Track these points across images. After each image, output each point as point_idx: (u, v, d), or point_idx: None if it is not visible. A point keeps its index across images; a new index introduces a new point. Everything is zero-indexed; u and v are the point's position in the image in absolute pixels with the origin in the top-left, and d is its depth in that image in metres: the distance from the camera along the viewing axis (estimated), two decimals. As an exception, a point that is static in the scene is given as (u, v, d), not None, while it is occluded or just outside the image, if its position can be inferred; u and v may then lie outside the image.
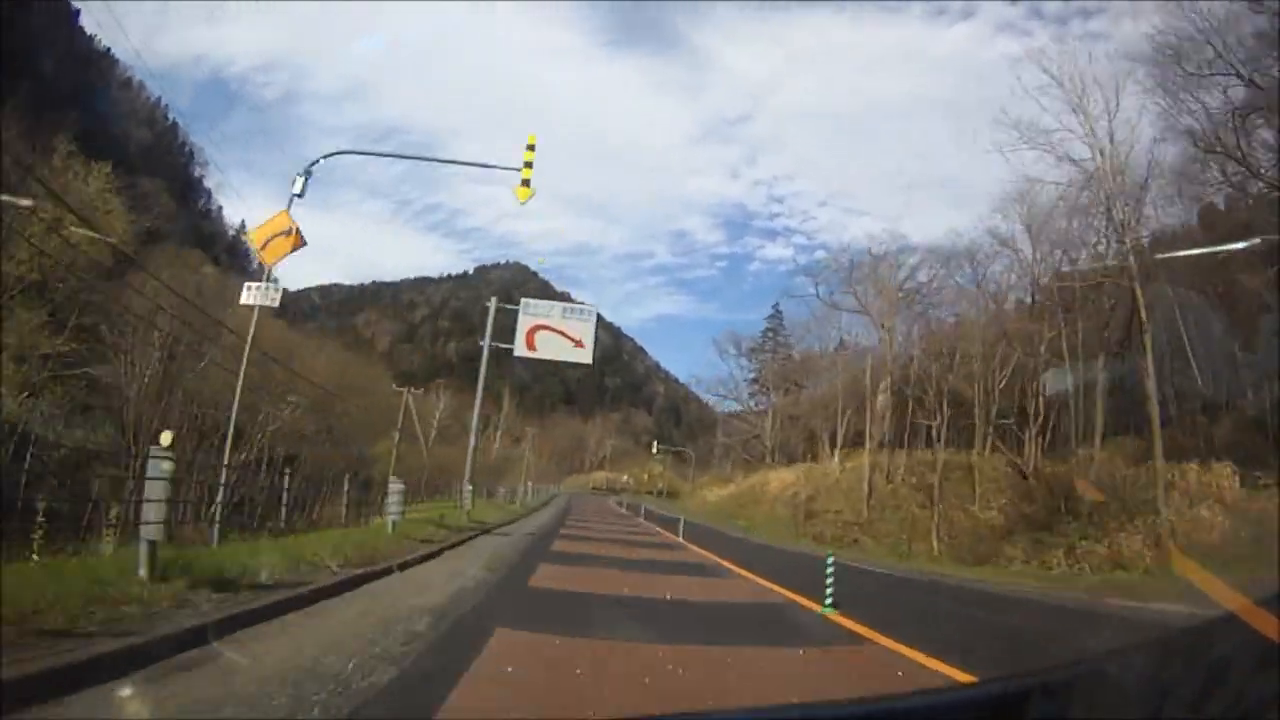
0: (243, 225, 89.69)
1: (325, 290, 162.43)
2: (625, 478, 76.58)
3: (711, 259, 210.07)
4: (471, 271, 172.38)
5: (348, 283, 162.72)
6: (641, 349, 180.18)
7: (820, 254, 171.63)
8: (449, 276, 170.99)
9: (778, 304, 58.83)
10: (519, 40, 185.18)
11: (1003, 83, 44.31)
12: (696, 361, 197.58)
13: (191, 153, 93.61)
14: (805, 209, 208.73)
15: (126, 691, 3.20)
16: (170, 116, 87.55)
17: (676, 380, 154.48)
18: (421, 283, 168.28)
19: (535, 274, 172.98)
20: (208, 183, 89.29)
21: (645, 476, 79.00)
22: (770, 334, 58.59)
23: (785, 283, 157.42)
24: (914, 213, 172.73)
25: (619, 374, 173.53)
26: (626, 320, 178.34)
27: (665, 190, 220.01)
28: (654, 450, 61.83)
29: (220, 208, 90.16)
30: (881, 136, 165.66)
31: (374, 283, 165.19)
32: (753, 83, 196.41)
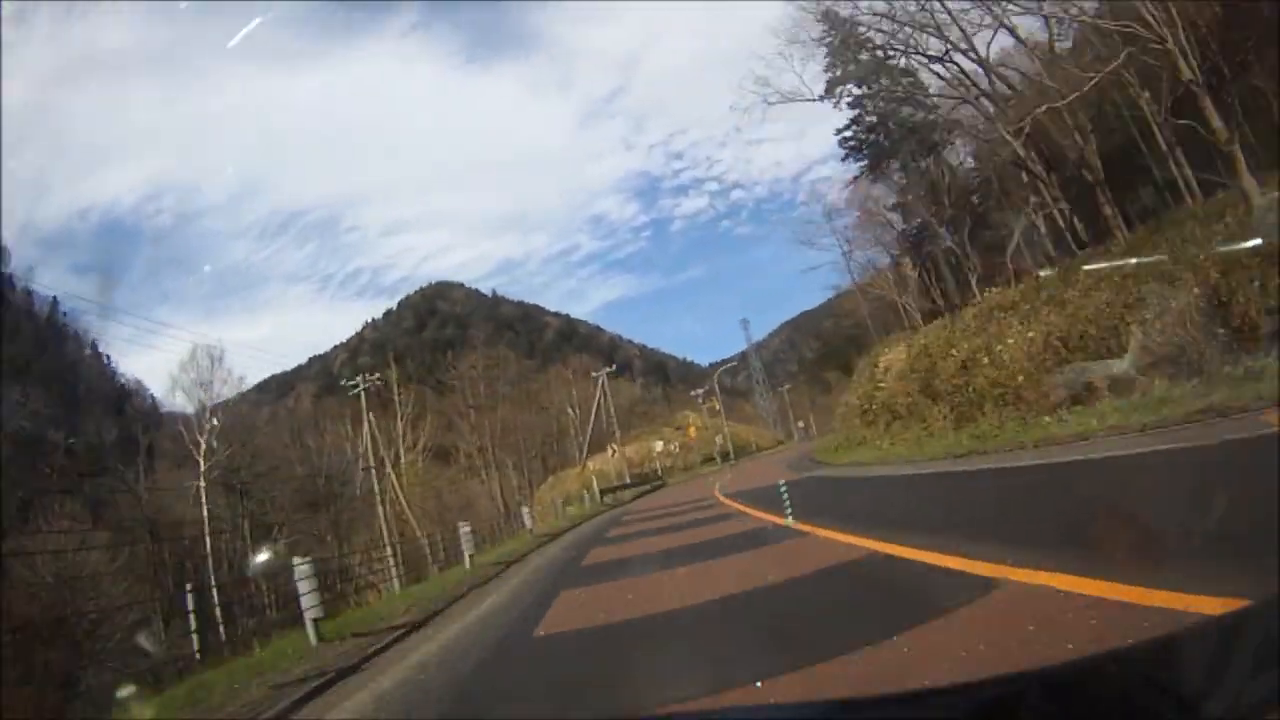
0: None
1: (263, 385, 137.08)
2: (659, 445, 43.50)
3: (634, 232, 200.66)
4: (394, 307, 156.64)
5: (285, 369, 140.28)
6: (598, 327, 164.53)
7: (737, 193, 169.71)
8: (370, 321, 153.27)
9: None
10: (385, 89, 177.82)
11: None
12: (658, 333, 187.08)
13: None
14: (707, 155, 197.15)
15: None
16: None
17: (645, 346, 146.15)
18: (348, 344, 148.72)
19: (460, 284, 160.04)
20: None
21: (691, 431, 46.47)
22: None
23: (712, 232, 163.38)
24: (820, 120, 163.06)
25: (583, 350, 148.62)
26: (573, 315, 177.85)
27: (570, 182, 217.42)
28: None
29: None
30: (760, 59, 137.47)
31: (309, 359, 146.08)
32: (616, 55, 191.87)
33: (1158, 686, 0.82)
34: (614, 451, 33.62)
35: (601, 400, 39.28)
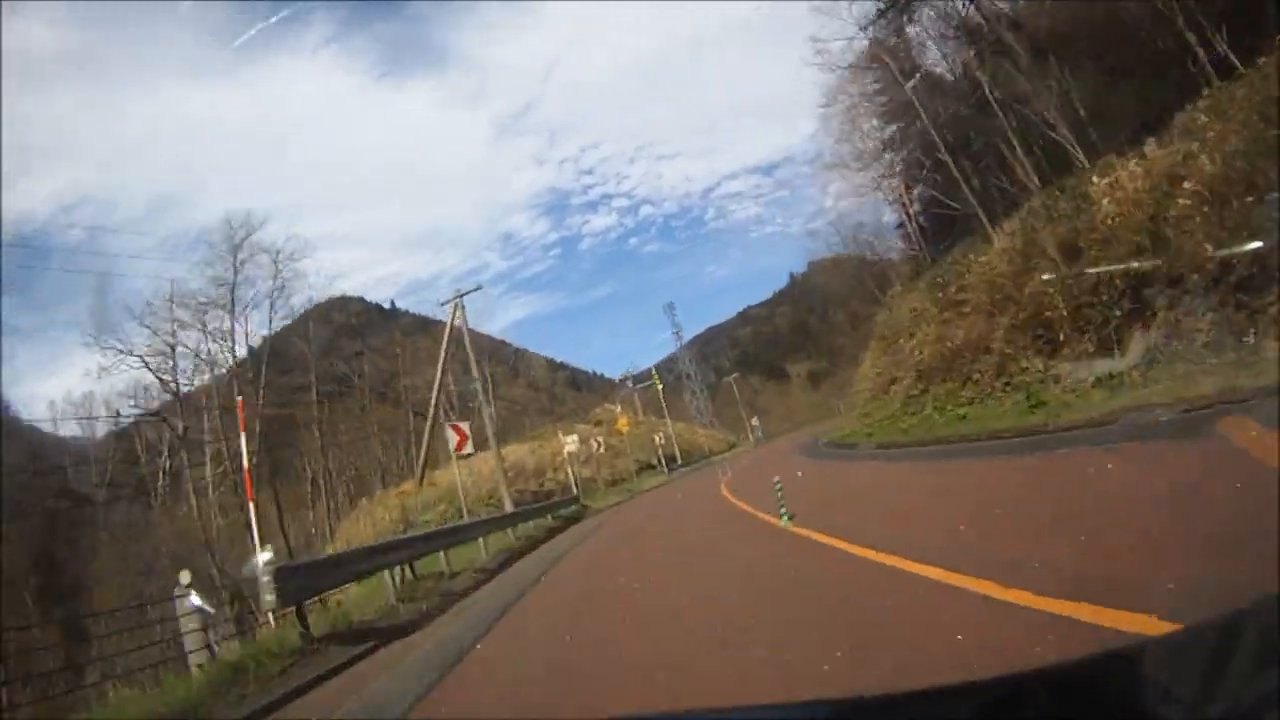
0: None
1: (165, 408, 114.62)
2: (570, 443, 25.14)
3: (544, 250, 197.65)
4: (291, 322, 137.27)
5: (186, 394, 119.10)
6: (504, 341, 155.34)
7: (646, 210, 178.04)
8: (266, 336, 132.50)
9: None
10: (298, 104, 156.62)
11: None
12: (567, 351, 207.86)
13: None
14: (617, 171, 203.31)
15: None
16: None
17: (554, 360, 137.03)
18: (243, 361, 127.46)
19: (360, 298, 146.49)
20: None
21: (621, 424, 29.97)
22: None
23: (621, 249, 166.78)
24: (730, 141, 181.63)
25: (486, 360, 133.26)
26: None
27: (482, 199, 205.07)
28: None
29: None
30: (676, 77, 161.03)
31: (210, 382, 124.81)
32: (529, 69, 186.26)
33: (1158, 686, 0.79)
34: (457, 446, 13.97)
35: (454, 343, 20.80)
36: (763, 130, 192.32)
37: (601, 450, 26.77)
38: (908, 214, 38.99)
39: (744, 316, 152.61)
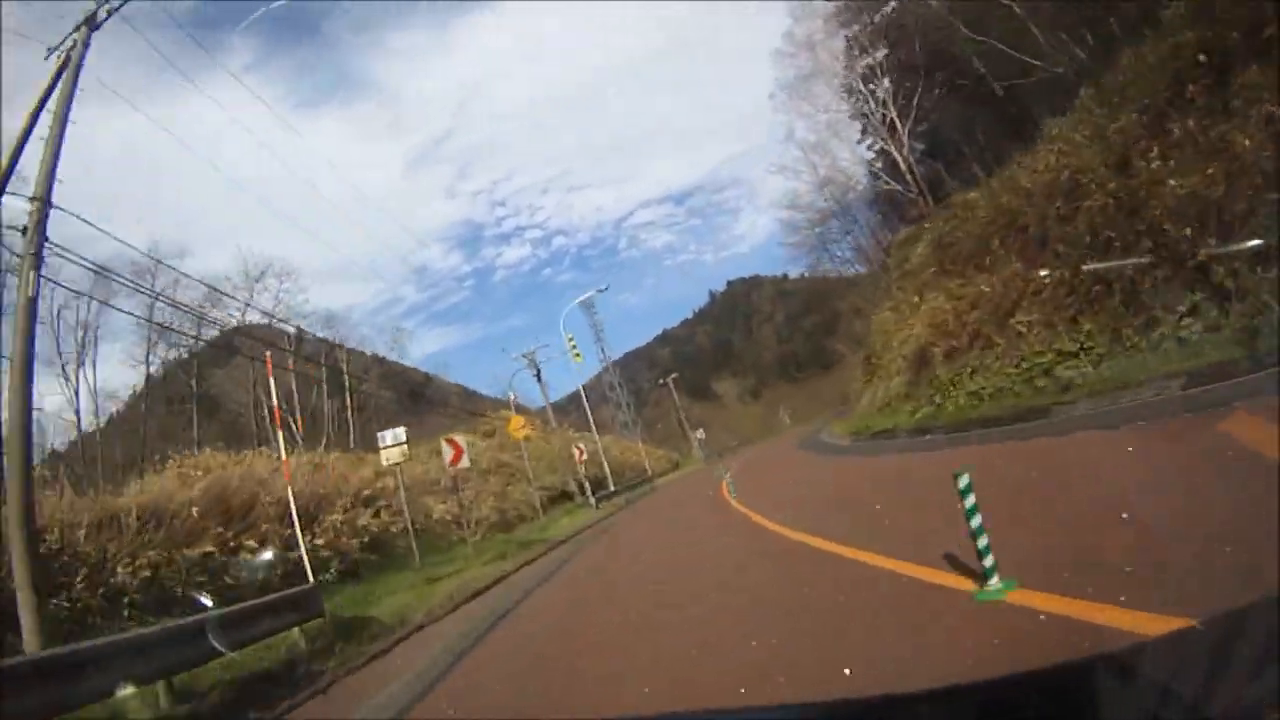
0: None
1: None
2: (388, 450, 13.97)
3: (458, 282, 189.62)
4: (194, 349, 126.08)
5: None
6: (414, 368, 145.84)
7: (559, 240, 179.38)
8: (163, 362, 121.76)
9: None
10: (213, 133, 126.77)
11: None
12: (482, 379, 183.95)
13: None
14: (530, 202, 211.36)
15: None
16: None
17: (466, 387, 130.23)
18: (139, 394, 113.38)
19: (266, 324, 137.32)
20: None
21: (516, 428, 19.00)
22: None
23: (534, 280, 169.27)
24: (642, 171, 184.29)
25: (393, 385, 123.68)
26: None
27: (397, 231, 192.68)
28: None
29: None
30: (588, 108, 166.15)
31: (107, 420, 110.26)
32: (446, 99, 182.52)
33: (1157, 686, 0.80)
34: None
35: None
36: (673, 160, 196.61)
37: (476, 469, 15.18)
38: (900, 155, 31.11)
39: (663, 337, 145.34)
